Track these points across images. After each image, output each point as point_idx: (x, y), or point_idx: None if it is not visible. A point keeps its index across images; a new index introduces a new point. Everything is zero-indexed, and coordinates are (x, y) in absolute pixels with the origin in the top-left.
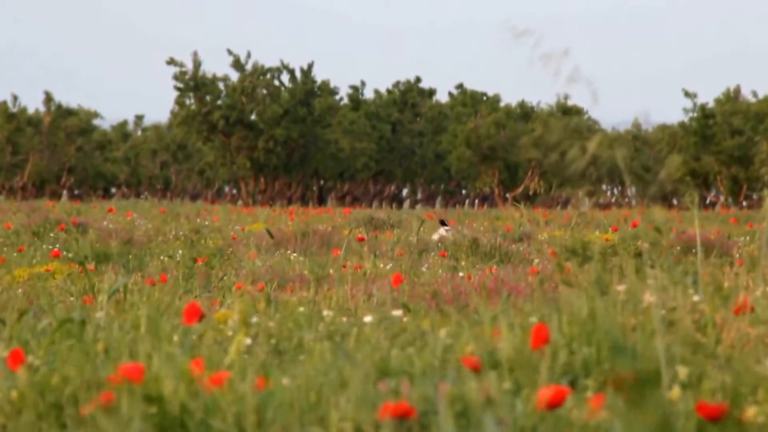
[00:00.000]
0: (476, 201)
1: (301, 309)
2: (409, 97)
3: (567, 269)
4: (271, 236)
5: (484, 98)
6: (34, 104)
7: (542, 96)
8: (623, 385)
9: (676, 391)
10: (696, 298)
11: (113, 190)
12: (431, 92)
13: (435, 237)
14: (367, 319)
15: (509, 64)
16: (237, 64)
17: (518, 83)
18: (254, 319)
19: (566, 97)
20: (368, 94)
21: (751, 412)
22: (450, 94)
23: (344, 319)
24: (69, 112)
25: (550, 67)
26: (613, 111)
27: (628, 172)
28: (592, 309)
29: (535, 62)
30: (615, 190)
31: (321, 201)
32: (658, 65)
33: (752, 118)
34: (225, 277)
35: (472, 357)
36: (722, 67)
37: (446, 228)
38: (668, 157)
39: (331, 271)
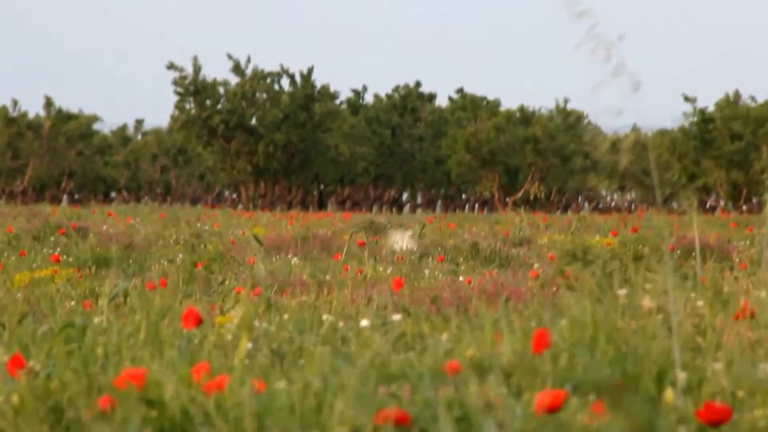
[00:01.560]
0: (476, 205)
1: (302, 314)
2: (409, 101)
3: (567, 274)
4: (259, 243)
5: (484, 102)
6: (34, 109)
7: (581, 92)
8: (623, 389)
9: (671, 395)
10: (697, 302)
11: (113, 194)
12: (431, 96)
13: (396, 247)
14: (366, 323)
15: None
16: (237, 69)
17: (518, 86)
18: (254, 324)
19: (566, 101)
20: (368, 98)
21: (750, 415)
22: (450, 98)
23: (344, 323)
24: (69, 117)
25: (600, 54)
26: (612, 114)
27: (629, 176)
28: (592, 313)
29: (584, 47)
30: (615, 195)
31: (321, 205)
32: (658, 69)
33: (752, 122)
34: (225, 282)
35: (454, 362)
36: (722, 72)
37: (404, 237)
38: (669, 161)
39: (327, 276)
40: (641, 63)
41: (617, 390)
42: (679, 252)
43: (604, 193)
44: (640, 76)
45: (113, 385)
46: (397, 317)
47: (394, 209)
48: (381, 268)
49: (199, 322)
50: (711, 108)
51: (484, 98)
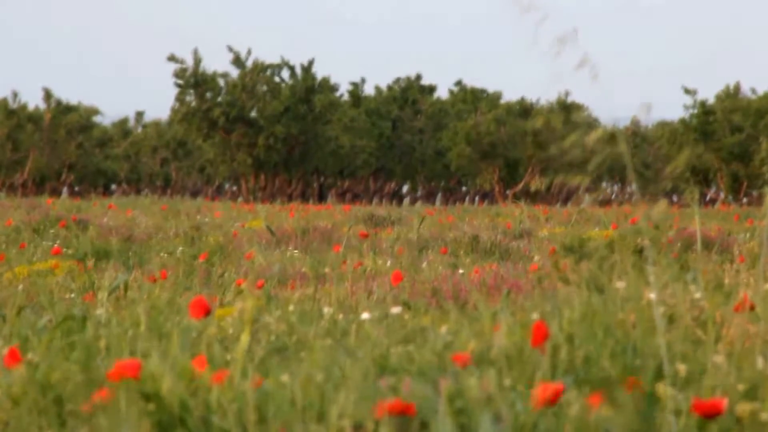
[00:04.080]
0: (476, 198)
1: (302, 306)
2: (410, 93)
3: (564, 266)
4: (272, 233)
5: (485, 95)
6: (34, 100)
7: (541, 85)
8: (621, 382)
9: (663, 389)
10: (696, 294)
11: (113, 187)
12: (431, 89)
13: None
14: (366, 316)
15: (509, 53)
16: (237, 61)
17: (518, 80)
18: (255, 316)
19: (567, 93)
20: (368, 90)
21: (749, 408)
22: (450, 90)
23: (344, 316)
24: (69, 109)
25: (556, 47)
26: (613, 107)
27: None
28: (590, 306)
29: (539, 40)
30: (615, 187)
31: (321, 198)
32: (658, 61)
33: (752, 114)
34: (225, 274)
35: (464, 354)
36: (723, 64)
37: None
38: (669, 153)
39: (327, 269)
40: (640, 57)
41: (616, 384)
42: (679, 245)
43: (604, 185)
44: (599, 68)
45: (109, 377)
46: (396, 310)
47: (394, 202)
48: (381, 261)
49: (207, 311)
50: (711, 100)
51: (484, 91)
